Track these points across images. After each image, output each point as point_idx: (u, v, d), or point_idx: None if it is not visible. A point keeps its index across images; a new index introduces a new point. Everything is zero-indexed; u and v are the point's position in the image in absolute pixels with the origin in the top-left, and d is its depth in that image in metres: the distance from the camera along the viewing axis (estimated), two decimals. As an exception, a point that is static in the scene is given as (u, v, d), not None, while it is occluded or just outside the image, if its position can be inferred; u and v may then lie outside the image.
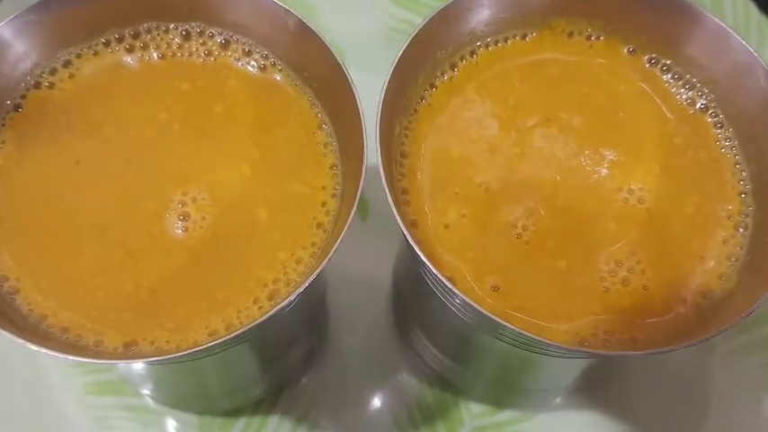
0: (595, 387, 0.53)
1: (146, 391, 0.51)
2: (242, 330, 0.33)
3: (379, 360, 0.54)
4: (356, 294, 0.55)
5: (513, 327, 0.33)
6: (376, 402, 0.53)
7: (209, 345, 0.33)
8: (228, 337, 0.33)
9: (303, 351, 0.51)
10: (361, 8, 0.62)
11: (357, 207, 0.35)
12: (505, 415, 0.53)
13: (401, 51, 0.37)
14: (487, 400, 0.52)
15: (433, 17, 0.38)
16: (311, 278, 0.34)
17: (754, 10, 0.62)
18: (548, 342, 0.33)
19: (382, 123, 0.36)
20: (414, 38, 0.38)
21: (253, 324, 0.33)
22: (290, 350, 0.48)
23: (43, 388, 0.52)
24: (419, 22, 0.60)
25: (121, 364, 0.42)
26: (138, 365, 0.44)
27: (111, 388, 0.52)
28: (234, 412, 0.52)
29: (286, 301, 0.33)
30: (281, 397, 0.52)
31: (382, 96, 0.37)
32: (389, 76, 0.37)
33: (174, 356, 0.34)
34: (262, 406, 0.52)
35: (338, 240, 0.34)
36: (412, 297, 0.48)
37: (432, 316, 0.46)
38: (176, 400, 0.50)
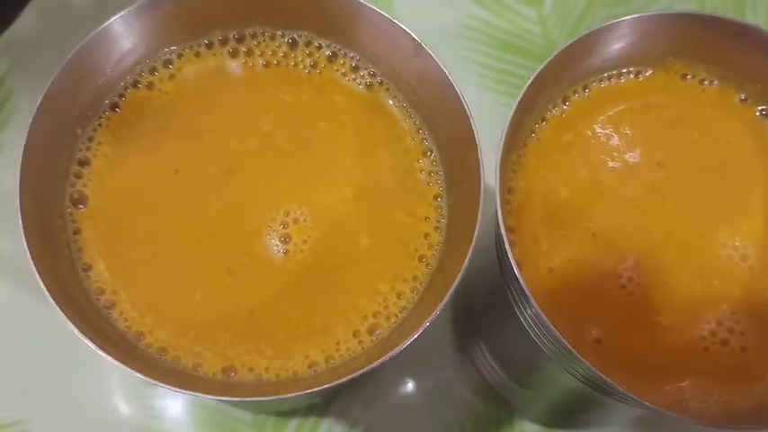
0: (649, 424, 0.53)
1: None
2: (349, 378, 0.32)
3: (436, 370, 0.53)
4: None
5: (621, 388, 0.33)
6: (429, 412, 0.53)
7: (315, 390, 0.32)
8: (334, 384, 0.32)
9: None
10: (434, 3, 0.61)
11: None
12: (557, 434, 0.53)
13: (527, 86, 0.36)
14: (542, 421, 0.52)
15: (559, 53, 0.37)
16: (425, 325, 0.33)
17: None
18: (650, 406, 0.33)
19: (502, 159, 0.35)
20: (539, 73, 0.36)
21: (359, 372, 0.32)
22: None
23: (95, 376, 0.51)
24: (492, 19, 0.60)
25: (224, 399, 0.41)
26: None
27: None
28: (287, 413, 0.52)
29: (395, 351, 0.33)
30: (334, 401, 0.52)
31: (505, 130, 0.35)
32: (513, 111, 0.36)
33: (276, 399, 0.33)
34: (315, 408, 0.52)
35: (455, 282, 0.33)
36: (485, 317, 0.47)
37: (505, 342, 0.46)
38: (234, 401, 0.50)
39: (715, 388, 0.37)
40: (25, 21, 0.55)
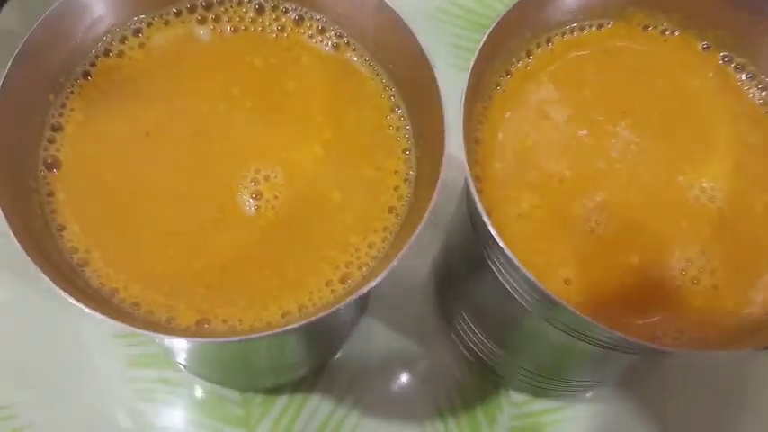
0: (632, 383, 0.53)
1: (189, 365, 0.50)
2: (318, 317, 0.33)
3: (420, 343, 0.54)
4: (399, 277, 0.55)
5: (596, 323, 0.33)
6: (416, 385, 0.53)
7: (286, 329, 0.32)
8: (304, 322, 0.32)
9: (347, 332, 0.51)
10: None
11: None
12: (543, 405, 0.53)
13: (485, 36, 0.37)
14: (528, 389, 0.52)
15: (517, 4, 0.38)
16: (393, 263, 0.33)
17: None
18: (625, 338, 0.33)
19: (465, 109, 0.36)
20: (498, 23, 0.37)
21: (328, 312, 0.33)
22: (337, 332, 0.48)
23: (85, 359, 0.52)
24: (467, 2, 0.61)
25: (192, 341, 0.42)
26: (190, 344, 0.44)
27: (154, 360, 0.52)
28: (275, 390, 0.52)
29: (366, 287, 0.33)
30: (321, 376, 0.52)
31: (467, 81, 0.36)
32: (473, 61, 0.36)
33: (249, 338, 0.33)
34: (303, 384, 0.52)
35: (417, 228, 0.34)
36: (464, 282, 0.47)
37: (483, 301, 0.46)
38: (220, 376, 0.50)
39: (688, 325, 0.37)
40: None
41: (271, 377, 0.50)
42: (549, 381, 0.51)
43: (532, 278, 0.33)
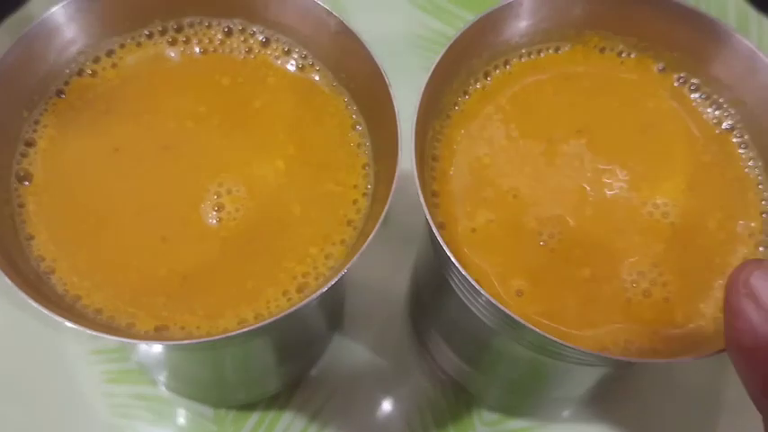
0: (606, 401, 0.53)
1: (163, 380, 0.51)
2: (271, 320, 0.34)
3: (394, 362, 0.55)
4: (374, 297, 0.56)
5: (537, 330, 0.34)
6: (389, 404, 0.54)
7: (238, 332, 0.34)
8: (257, 326, 0.34)
9: (320, 348, 0.52)
10: (392, 15, 0.64)
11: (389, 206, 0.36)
12: (516, 424, 0.54)
13: (439, 57, 0.38)
14: (500, 407, 0.53)
15: (471, 25, 0.39)
16: (342, 272, 0.35)
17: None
18: (569, 346, 0.34)
19: (418, 126, 0.37)
20: (451, 45, 0.39)
21: (281, 315, 0.34)
22: (307, 346, 0.49)
23: (63, 374, 0.53)
24: (447, 31, 0.62)
25: (144, 348, 0.43)
26: (160, 352, 0.45)
27: (130, 377, 0.53)
28: (248, 407, 0.53)
29: (316, 294, 0.34)
30: (295, 393, 0.53)
31: (419, 100, 0.37)
32: (427, 81, 0.38)
33: (202, 341, 0.35)
34: (276, 402, 0.53)
35: (370, 237, 0.35)
36: (431, 300, 0.48)
37: (451, 319, 0.47)
38: (193, 391, 0.51)
39: (637, 336, 0.38)
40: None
41: (242, 392, 0.51)
42: (519, 398, 0.52)
43: (476, 284, 0.34)
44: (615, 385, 0.53)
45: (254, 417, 0.52)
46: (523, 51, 0.43)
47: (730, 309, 0.31)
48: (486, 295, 0.34)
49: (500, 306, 0.34)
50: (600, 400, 0.53)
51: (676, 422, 0.53)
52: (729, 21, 0.63)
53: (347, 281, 0.52)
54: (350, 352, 0.55)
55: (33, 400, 0.52)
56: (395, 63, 0.57)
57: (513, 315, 0.34)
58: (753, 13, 0.63)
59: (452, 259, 0.35)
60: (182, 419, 0.53)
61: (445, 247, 0.35)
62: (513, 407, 0.53)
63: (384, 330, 0.55)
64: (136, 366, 0.53)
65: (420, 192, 0.36)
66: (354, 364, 0.55)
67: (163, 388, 0.53)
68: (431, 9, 0.64)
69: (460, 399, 0.54)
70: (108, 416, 0.52)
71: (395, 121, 0.37)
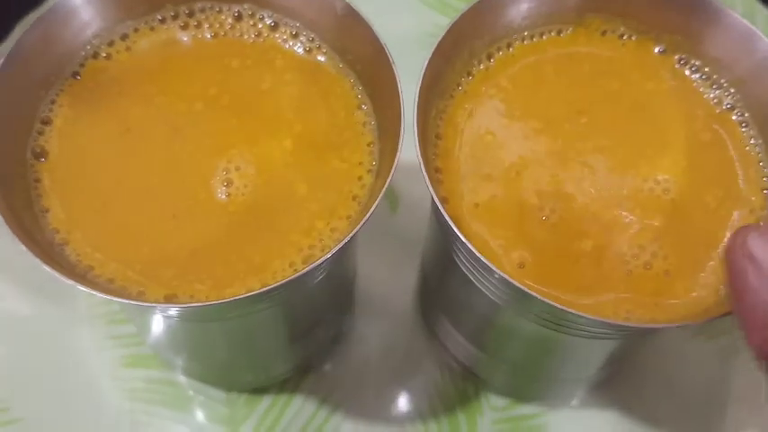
0: (613, 386, 0.53)
1: (177, 363, 0.52)
2: (277, 284, 0.34)
3: (403, 348, 0.55)
4: (383, 283, 0.57)
5: (540, 297, 0.34)
6: (398, 389, 0.54)
7: (246, 295, 0.34)
8: (264, 289, 0.34)
9: (329, 333, 0.53)
10: (402, 12, 0.65)
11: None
12: (525, 409, 0.54)
13: (440, 38, 0.39)
14: (508, 392, 0.53)
15: (471, 7, 0.40)
16: (346, 239, 0.35)
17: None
18: (571, 311, 0.34)
19: (420, 105, 0.38)
20: (452, 26, 0.40)
21: (288, 279, 0.35)
22: (316, 329, 0.50)
23: (78, 359, 0.54)
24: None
25: (157, 323, 0.44)
26: (173, 331, 0.46)
27: (144, 361, 0.54)
28: (259, 390, 0.53)
29: (321, 260, 0.35)
30: (305, 378, 0.54)
31: (421, 79, 0.38)
32: (428, 60, 0.39)
33: (210, 304, 0.35)
34: (287, 386, 0.54)
35: (372, 208, 0.36)
36: (439, 282, 0.49)
37: (458, 300, 0.47)
38: (206, 373, 0.52)
39: (637, 306, 0.38)
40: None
41: (253, 374, 0.52)
42: (526, 380, 0.52)
43: (479, 254, 0.35)
44: (622, 374, 0.53)
45: (265, 400, 0.53)
46: (526, 34, 0.44)
47: (731, 271, 0.32)
48: (489, 264, 0.35)
49: (502, 274, 0.35)
50: (608, 390, 0.53)
51: (683, 408, 0.53)
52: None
53: (356, 264, 0.53)
54: (360, 337, 0.56)
55: (49, 385, 0.53)
56: (402, 58, 0.59)
57: (515, 283, 0.35)
58: (759, 8, 0.64)
59: (456, 231, 0.36)
60: (195, 403, 0.53)
61: (449, 220, 0.36)
62: (521, 390, 0.53)
63: (393, 316, 0.56)
64: (150, 351, 0.54)
65: (423, 167, 0.37)
66: (364, 349, 0.55)
67: (177, 372, 0.53)
68: (440, 7, 0.65)
69: (469, 384, 0.54)
70: (122, 400, 0.53)
71: (398, 100, 0.38)
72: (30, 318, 0.54)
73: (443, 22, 0.65)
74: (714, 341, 0.54)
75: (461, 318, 0.49)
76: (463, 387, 0.54)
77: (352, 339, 0.55)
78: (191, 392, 0.53)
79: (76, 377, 0.54)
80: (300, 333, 0.48)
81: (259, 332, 0.45)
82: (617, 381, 0.54)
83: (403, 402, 0.54)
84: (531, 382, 0.52)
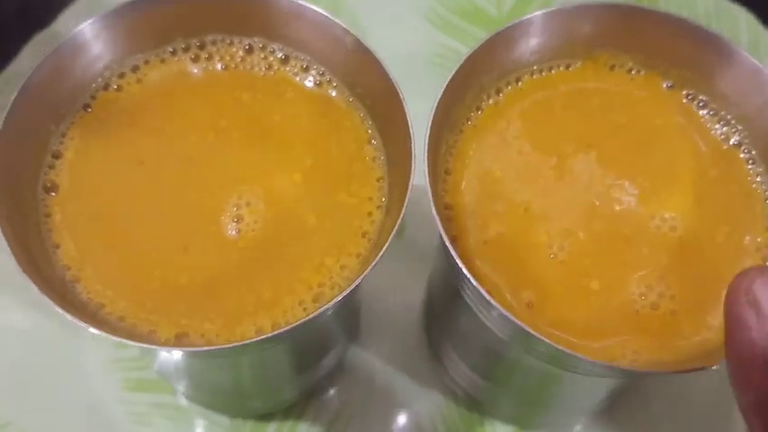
0: (618, 413, 0.54)
1: (181, 389, 0.52)
2: (287, 329, 0.35)
3: (409, 374, 0.55)
4: (389, 309, 0.57)
5: (547, 341, 0.35)
6: (403, 415, 0.55)
7: (255, 340, 0.35)
8: (274, 334, 0.35)
9: (336, 359, 0.53)
10: (409, 33, 0.65)
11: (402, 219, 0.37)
12: (529, 437, 0.54)
13: (452, 74, 0.39)
14: (513, 420, 0.54)
15: (482, 44, 0.40)
16: (357, 282, 0.35)
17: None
18: (578, 356, 0.35)
19: (431, 140, 0.38)
20: (464, 62, 0.40)
21: (297, 323, 0.35)
22: (324, 357, 0.50)
23: (83, 381, 0.54)
24: (463, 49, 0.64)
25: (164, 355, 0.44)
26: (180, 360, 0.46)
27: (149, 385, 0.54)
28: (265, 417, 0.54)
29: (332, 303, 0.35)
30: (310, 403, 0.54)
31: (432, 115, 0.39)
32: (440, 97, 0.39)
33: (221, 348, 0.36)
34: (292, 412, 0.54)
35: (383, 249, 0.36)
36: (445, 312, 0.49)
37: (464, 331, 0.48)
38: (210, 399, 0.52)
39: (644, 348, 0.38)
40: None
41: (259, 401, 0.52)
42: (531, 410, 0.52)
43: (488, 296, 0.35)
44: (626, 397, 0.53)
45: (270, 427, 0.53)
46: (534, 68, 0.44)
47: (730, 316, 0.30)
48: (498, 307, 0.35)
49: (511, 317, 0.35)
50: (612, 413, 0.54)
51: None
52: (741, 41, 0.64)
53: (363, 292, 0.53)
54: (365, 363, 0.56)
55: (53, 407, 0.53)
56: (411, 80, 0.59)
57: (524, 326, 0.35)
58: (764, 33, 0.64)
59: (464, 271, 0.36)
60: (199, 429, 0.54)
61: (458, 260, 0.36)
62: (526, 419, 0.53)
63: (399, 342, 0.56)
64: (155, 375, 0.54)
65: (433, 205, 0.37)
66: (369, 374, 0.55)
67: (181, 397, 0.54)
68: (445, 27, 0.65)
69: (473, 411, 0.54)
70: (126, 423, 0.53)
71: (409, 136, 0.39)
72: (35, 338, 0.54)
73: (451, 44, 0.66)
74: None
75: (466, 348, 0.50)
76: (468, 413, 0.54)
77: (357, 364, 0.56)
78: (196, 418, 0.54)
79: (81, 399, 0.54)
80: (309, 363, 0.48)
81: (267, 366, 0.45)
82: (620, 404, 0.54)
83: (408, 428, 0.54)
84: (535, 412, 0.52)
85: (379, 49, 0.63)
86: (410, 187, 0.37)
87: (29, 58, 0.60)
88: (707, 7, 0.65)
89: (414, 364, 0.56)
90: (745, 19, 0.65)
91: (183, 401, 0.54)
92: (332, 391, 0.55)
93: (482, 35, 0.64)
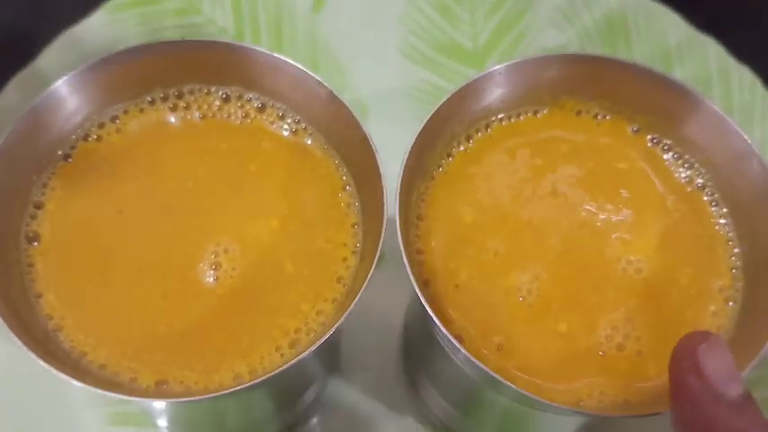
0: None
1: (164, 424, 0.53)
2: (263, 378, 0.36)
3: (388, 404, 0.56)
4: (368, 338, 0.58)
5: (514, 386, 0.36)
6: (382, 446, 0.56)
7: (232, 390, 0.36)
8: (251, 384, 0.36)
9: (316, 392, 0.54)
10: (386, 68, 0.66)
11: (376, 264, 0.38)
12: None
13: (422, 125, 0.41)
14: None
15: (453, 94, 0.42)
16: (330, 331, 0.37)
17: (759, 86, 0.65)
18: (545, 402, 0.36)
19: (402, 187, 0.40)
20: (435, 112, 0.41)
21: (274, 372, 0.36)
22: (304, 392, 0.51)
23: (67, 414, 0.55)
24: (442, 83, 0.65)
25: (153, 402, 0.45)
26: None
27: (131, 419, 0.55)
28: (247, 447, 0.55)
29: (306, 352, 0.36)
30: (293, 432, 0.55)
31: (403, 164, 0.40)
32: (410, 147, 0.40)
33: (199, 399, 0.37)
34: (274, 442, 0.55)
35: (357, 296, 0.38)
36: (421, 348, 0.51)
37: (439, 368, 0.49)
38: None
39: (611, 389, 0.40)
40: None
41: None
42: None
43: (456, 342, 0.36)
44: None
45: (252, 458, 0.54)
46: (503, 115, 0.45)
47: (673, 381, 0.31)
48: (465, 352, 0.36)
49: (478, 363, 0.36)
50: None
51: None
52: (711, 72, 0.65)
53: (343, 328, 0.54)
54: (345, 393, 0.57)
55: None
56: (390, 114, 0.60)
57: (490, 372, 0.36)
58: (734, 64, 0.66)
59: (435, 319, 0.37)
60: (183, 459, 0.55)
61: (427, 306, 0.37)
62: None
63: (379, 372, 0.57)
64: (138, 410, 0.55)
65: (403, 252, 0.39)
66: (349, 404, 0.57)
67: (164, 431, 0.55)
68: (424, 62, 0.67)
69: (451, 441, 0.56)
70: (109, 454, 0.54)
71: (380, 184, 0.40)
72: (19, 371, 0.55)
73: (428, 77, 0.67)
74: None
75: (441, 382, 0.51)
76: (446, 444, 0.56)
77: (337, 394, 0.57)
78: (180, 450, 0.55)
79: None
80: (289, 401, 0.49)
81: (247, 407, 0.46)
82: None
83: (388, 459, 0.55)
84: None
85: (356, 84, 0.65)
86: (382, 236, 0.39)
87: (12, 95, 0.61)
88: (678, 39, 0.67)
89: (393, 395, 0.57)
90: (714, 50, 0.66)
91: (167, 436, 0.55)
92: (313, 421, 0.56)
93: (458, 68, 0.66)
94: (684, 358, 0.30)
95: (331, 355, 0.53)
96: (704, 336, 0.31)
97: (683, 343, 0.31)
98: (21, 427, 0.54)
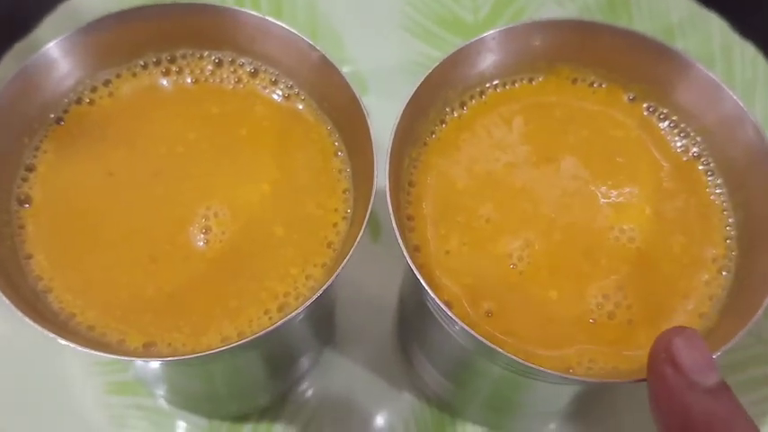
0: (587, 418, 0.55)
1: (160, 392, 0.54)
2: (250, 338, 0.36)
3: (382, 376, 0.56)
4: (364, 311, 0.58)
5: (503, 351, 0.36)
6: (376, 417, 0.56)
7: (220, 350, 0.36)
8: (238, 343, 0.36)
9: (310, 362, 0.54)
10: (386, 41, 0.66)
11: (366, 229, 0.38)
12: (499, 438, 0.55)
13: (414, 90, 0.40)
14: (483, 422, 0.55)
15: (445, 60, 0.41)
16: (318, 293, 0.37)
17: (762, 61, 0.64)
18: (534, 367, 0.36)
19: (393, 154, 0.39)
20: (426, 78, 0.41)
21: (260, 333, 0.36)
22: (297, 360, 0.51)
23: (64, 385, 0.55)
24: (437, 55, 0.64)
25: (139, 362, 0.45)
26: (155, 366, 0.47)
27: (128, 388, 0.55)
28: (241, 418, 0.55)
29: (294, 313, 0.36)
30: (285, 405, 0.55)
31: (394, 129, 0.40)
32: (401, 112, 0.40)
33: (187, 358, 0.37)
34: (268, 413, 0.55)
35: (346, 258, 0.37)
36: (414, 318, 0.50)
37: (431, 337, 0.49)
38: (187, 402, 0.53)
39: (600, 356, 0.39)
40: None
41: (234, 404, 0.53)
42: (499, 413, 0.53)
43: (444, 307, 0.36)
44: (595, 402, 0.54)
45: (246, 428, 0.55)
46: (498, 82, 0.45)
47: (650, 371, 0.32)
48: (455, 317, 0.36)
49: (467, 328, 0.36)
50: (581, 417, 0.55)
51: None
52: (714, 48, 0.65)
53: (337, 297, 0.54)
54: (340, 365, 0.57)
55: (34, 410, 0.54)
56: (388, 87, 0.60)
57: (479, 337, 0.36)
58: (737, 39, 0.65)
59: (423, 283, 0.37)
60: (178, 430, 0.55)
61: (416, 271, 0.37)
62: (495, 422, 0.54)
63: (374, 345, 0.57)
64: (134, 379, 0.55)
65: (393, 216, 0.38)
66: (344, 377, 0.56)
67: (161, 400, 0.55)
68: (423, 35, 0.66)
69: (445, 414, 0.55)
70: (108, 426, 0.54)
71: (371, 149, 0.40)
72: (15, 343, 0.55)
73: (428, 51, 0.67)
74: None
75: (435, 353, 0.51)
76: (439, 415, 0.55)
77: (332, 366, 0.57)
78: (176, 420, 0.55)
79: (61, 403, 0.55)
80: (282, 368, 0.49)
81: (239, 372, 0.46)
82: (589, 408, 0.55)
83: (381, 428, 0.55)
84: (504, 415, 0.53)
85: (355, 58, 0.65)
86: (372, 200, 0.39)
87: (10, 66, 0.61)
88: (680, 14, 0.66)
89: (387, 367, 0.57)
90: (718, 25, 0.65)
91: (163, 404, 0.55)
92: (307, 393, 0.56)
93: (455, 40, 0.66)
94: (661, 350, 0.32)
95: (323, 325, 0.53)
96: (680, 330, 0.32)
97: (660, 337, 0.32)
98: (18, 399, 0.55)
